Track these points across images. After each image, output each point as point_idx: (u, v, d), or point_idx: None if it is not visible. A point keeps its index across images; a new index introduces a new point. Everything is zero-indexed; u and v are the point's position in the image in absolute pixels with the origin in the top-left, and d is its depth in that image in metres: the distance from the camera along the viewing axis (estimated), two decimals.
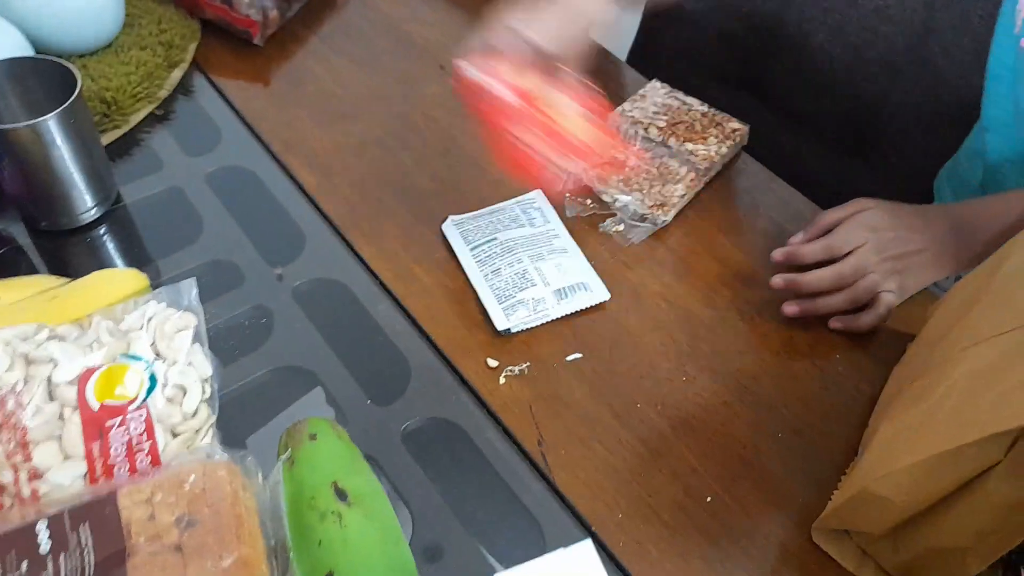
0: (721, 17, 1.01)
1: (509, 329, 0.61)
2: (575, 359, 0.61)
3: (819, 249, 0.65)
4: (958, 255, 0.64)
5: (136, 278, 0.52)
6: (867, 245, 0.65)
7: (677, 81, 1.15)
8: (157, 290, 0.47)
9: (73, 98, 0.58)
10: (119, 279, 0.51)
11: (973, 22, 0.85)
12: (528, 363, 0.60)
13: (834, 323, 0.65)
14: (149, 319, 0.45)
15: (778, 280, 0.65)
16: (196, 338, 0.47)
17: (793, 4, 0.96)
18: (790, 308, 0.65)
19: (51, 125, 0.57)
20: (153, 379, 0.44)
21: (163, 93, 0.75)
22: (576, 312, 0.63)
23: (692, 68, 1.07)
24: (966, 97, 0.88)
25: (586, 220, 0.70)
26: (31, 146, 0.58)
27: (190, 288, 0.47)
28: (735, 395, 0.60)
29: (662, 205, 0.70)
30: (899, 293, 0.65)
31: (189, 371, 0.45)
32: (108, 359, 0.44)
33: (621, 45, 1.15)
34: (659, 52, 1.09)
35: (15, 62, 0.61)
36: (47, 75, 0.61)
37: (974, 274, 0.55)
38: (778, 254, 0.66)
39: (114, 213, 0.66)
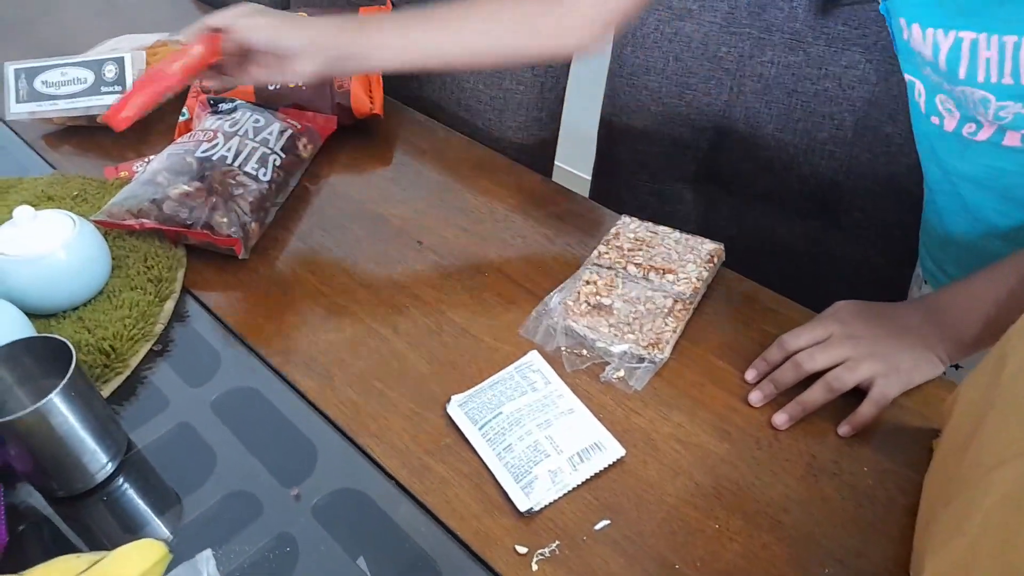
0: (669, 126, 1.06)
1: (532, 508, 0.61)
2: (604, 527, 0.60)
3: (790, 367, 0.66)
4: (942, 341, 0.64)
5: (154, 549, 0.52)
6: (834, 336, 0.66)
7: (643, 191, 1.19)
8: (175, 570, 0.48)
9: (71, 373, 0.59)
10: (138, 555, 0.51)
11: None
12: (557, 541, 0.59)
13: (842, 428, 0.64)
14: None
15: (756, 396, 0.67)
16: None
17: (737, 103, 1.00)
18: (779, 418, 0.65)
19: (53, 404, 0.59)
20: None
21: (158, 328, 0.77)
22: (595, 474, 0.63)
23: (654, 177, 1.11)
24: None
25: (586, 372, 0.71)
26: (36, 428, 0.59)
27: (207, 561, 0.47)
28: (770, 533, 0.59)
29: (656, 344, 0.70)
30: (895, 378, 0.64)
31: None
32: None
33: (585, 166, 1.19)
34: (619, 170, 1.13)
35: (9, 346, 0.63)
36: (41, 349, 0.63)
37: (980, 370, 0.55)
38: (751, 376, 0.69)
39: (128, 463, 0.67)
